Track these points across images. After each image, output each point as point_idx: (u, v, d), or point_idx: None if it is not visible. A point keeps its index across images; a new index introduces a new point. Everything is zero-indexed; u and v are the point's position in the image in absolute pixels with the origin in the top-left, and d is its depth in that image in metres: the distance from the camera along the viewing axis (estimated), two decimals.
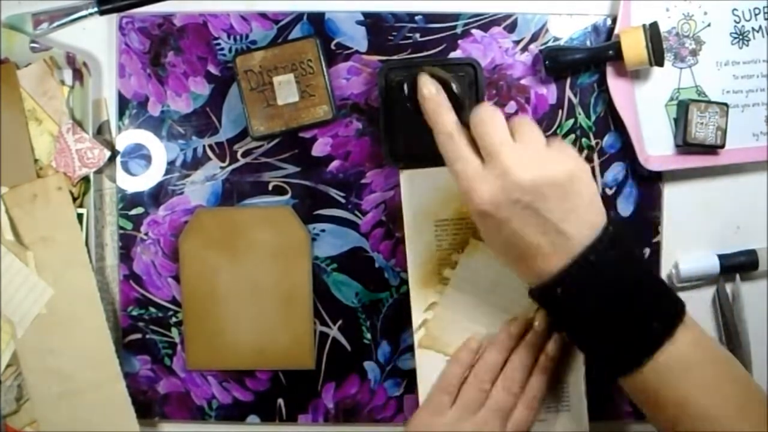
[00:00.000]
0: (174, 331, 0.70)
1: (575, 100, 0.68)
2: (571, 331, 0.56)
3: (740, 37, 0.68)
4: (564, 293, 0.52)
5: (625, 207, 0.69)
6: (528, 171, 0.50)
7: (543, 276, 0.53)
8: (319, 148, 0.69)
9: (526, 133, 0.52)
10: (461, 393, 0.62)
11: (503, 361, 0.62)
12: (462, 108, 0.55)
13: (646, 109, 0.67)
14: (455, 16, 0.68)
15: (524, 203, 0.51)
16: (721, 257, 0.69)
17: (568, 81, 0.68)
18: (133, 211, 0.69)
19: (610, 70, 0.67)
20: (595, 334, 0.54)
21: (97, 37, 0.69)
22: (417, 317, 0.65)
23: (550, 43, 0.68)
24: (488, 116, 0.52)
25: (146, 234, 0.69)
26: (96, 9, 0.68)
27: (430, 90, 0.56)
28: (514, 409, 0.61)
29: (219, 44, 0.68)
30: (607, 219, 0.53)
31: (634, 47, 0.64)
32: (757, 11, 0.67)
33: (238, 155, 0.69)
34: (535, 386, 0.62)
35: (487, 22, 0.68)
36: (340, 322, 0.69)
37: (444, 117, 0.54)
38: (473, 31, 0.68)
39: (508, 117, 0.53)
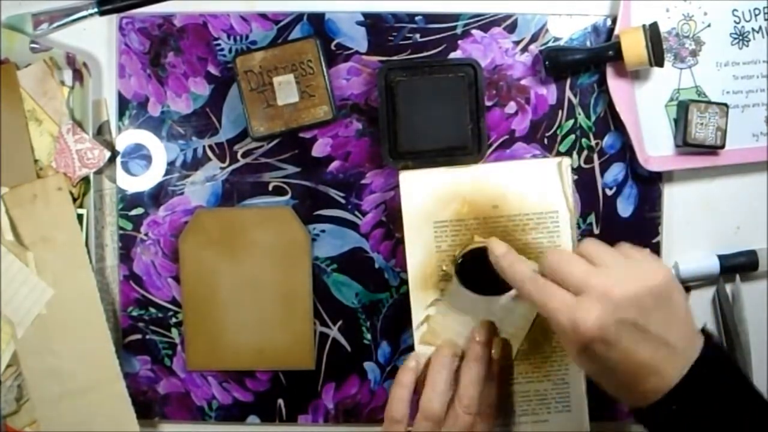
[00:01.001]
0: (174, 332, 0.70)
1: (575, 101, 0.68)
2: None
3: (740, 37, 0.68)
4: (680, 409, 0.49)
5: (625, 207, 0.69)
6: (625, 287, 0.49)
7: (656, 394, 0.50)
8: (319, 149, 0.69)
9: (601, 255, 0.52)
10: (416, 425, 0.59)
11: (448, 384, 0.60)
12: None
13: (646, 110, 0.67)
14: (455, 17, 0.68)
15: (630, 320, 0.49)
16: (721, 257, 0.69)
17: (568, 81, 0.68)
18: (133, 212, 0.69)
19: (610, 71, 0.67)
20: None
21: (97, 37, 0.69)
22: (417, 317, 0.65)
23: (550, 44, 0.68)
24: (560, 256, 0.53)
25: (146, 234, 0.69)
26: (96, 9, 0.68)
27: (501, 249, 0.58)
28: (474, 426, 0.60)
29: (219, 45, 0.68)
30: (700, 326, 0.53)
31: (634, 48, 0.64)
32: (757, 12, 0.67)
33: (238, 156, 0.69)
34: (488, 396, 0.61)
35: (487, 23, 0.68)
36: (340, 322, 0.69)
37: (522, 265, 0.56)
38: (473, 31, 0.68)
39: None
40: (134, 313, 0.69)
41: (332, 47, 0.68)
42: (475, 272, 0.61)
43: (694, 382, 0.49)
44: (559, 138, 0.69)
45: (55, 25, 0.68)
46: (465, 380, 0.60)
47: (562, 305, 0.51)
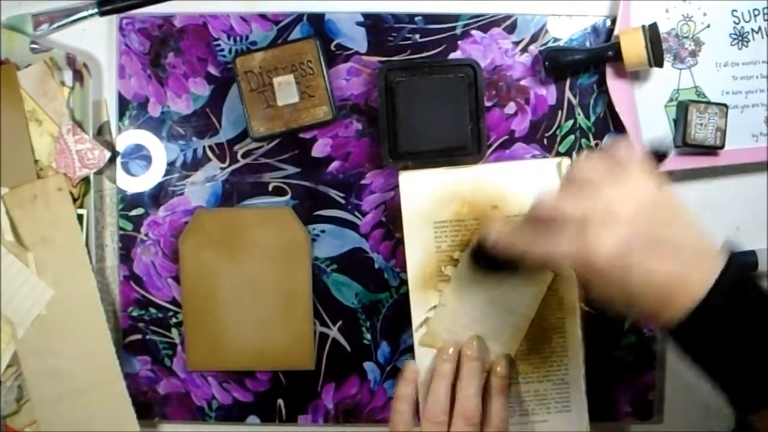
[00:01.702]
0: (174, 332, 0.70)
1: (575, 101, 0.69)
2: (711, 362, 0.49)
3: (740, 38, 0.68)
4: (714, 316, 0.47)
5: None
6: (625, 201, 0.48)
7: (687, 305, 0.47)
8: (319, 149, 0.69)
9: (591, 178, 0.50)
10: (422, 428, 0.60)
11: (449, 389, 0.61)
12: None
13: (645, 110, 0.67)
14: (455, 17, 0.68)
15: (642, 232, 0.47)
16: None
17: (568, 82, 0.68)
18: (133, 212, 0.69)
19: (609, 71, 0.67)
20: (739, 363, 0.48)
21: (97, 38, 0.69)
22: (417, 317, 0.65)
23: (550, 44, 0.68)
24: (552, 199, 0.51)
25: (146, 235, 0.69)
26: (96, 10, 0.68)
27: (492, 236, 0.56)
28: None
29: (219, 45, 0.68)
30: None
31: (633, 48, 0.64)
32: (756, 12, 0.67)
33: (238, 156, 0.69)
34: (499, 410, 0.61)
35: (487, 23, 0.68)
36: (339, 322, 0.69)
37: (517, 237, 0.53)
38: (473, 32, 0.68)
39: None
40: (134, 314, 0.70)
41: (332, 48, 0.68)
42: (489, 260, 0.59)
43: (723, 291, 0.47)
44: (558, 138, 0.69)
45: (55, 25, 0.68)
46: (462, 394, 0.60)
47: (569, 245, 0.48)
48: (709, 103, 0.67)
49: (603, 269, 0.47)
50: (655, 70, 0.67)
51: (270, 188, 0.69)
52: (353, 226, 0.69)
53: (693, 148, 0.67)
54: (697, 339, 0.48)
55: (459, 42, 0.68)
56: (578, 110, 0.69)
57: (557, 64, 0.66)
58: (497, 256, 0.56)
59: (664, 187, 0.50)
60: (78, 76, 0.68)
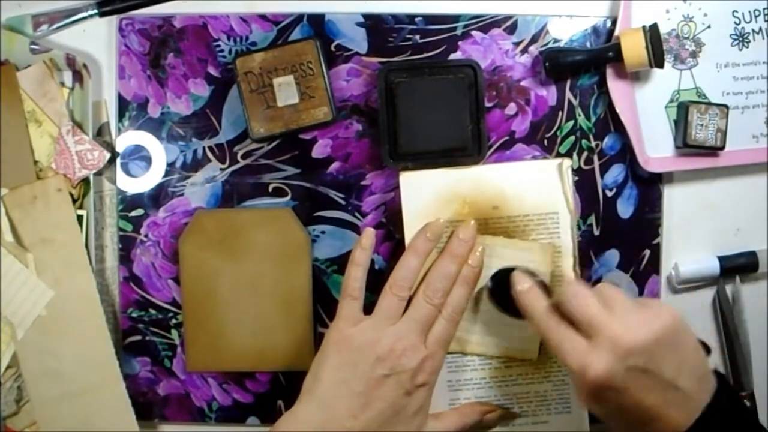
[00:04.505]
0: (174, 333, 0.70)
1: (575, 102, 0.68)
2: None
3: (740, 38, 0.68)
4: None
5: (625, 208, 0.69)
6: (634, 334, 0.50)
7: None
8: (319, 150, 0.69)
9: (614, 297, 0.53)
10: (379, 300, 0.60)
11: (421, 267, 0.60)
12: (546, 289, 0.58)
13: (646, 111, 0.67)
14: (455, 18, 0.68)
15: (639, 367, 0.50)
16: (721, 259, 0.69)
17: (568, 82, 0.68)
18: (133, 213, 0.69)
19: (610, 72, 0.67)
20: None
21: (97, 38, 0.69)
22: None
23: (550, 45, 0.68)
24: (578, 292, 0.53)
25: (146, 236, 0.69)
26: (96, 11, 0.68)
27: (523, 285, 0.58)
28: (434, 321, 0.59)
29: (219, 46, 0.68)
30: (712, 367, 0.53)
31: (634, 49, 0.64)
32: (757, 13, 0.67)
33: (238, 157, 0.69)
34: (457, 298, 0.60)
35: (487, 24, 0.68)
36: None
37: (540, 302, 0.56)
38: (473, 32, 0.68)
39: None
40: (134, 315, 0.69)
41: (332, 48, 0.68)
42: (506, 291, 0.60)
43: (704, 427, 0.50)
44: (559, 139, 0.69)
45: (55, 26, 0.68)
46: (434, 271, 0.60)
47: (573, 350, 0.52)
48: (709, 104, 0.67)
49: (592, 386, 0.51)
50: (656, 70, 0.67)
51: (270, 189, 0.69)
52: (353, 227, 0.69)
53: (693, 148, 0.67)
54: None
55: (459, 43, 0.68)
56: (579, 111, 0.69)
57: (558, 64, 0.66)
58: (515, 302, 0.58)
59: (677, 321, 0.52)
60: (78, 76, 0.68)
